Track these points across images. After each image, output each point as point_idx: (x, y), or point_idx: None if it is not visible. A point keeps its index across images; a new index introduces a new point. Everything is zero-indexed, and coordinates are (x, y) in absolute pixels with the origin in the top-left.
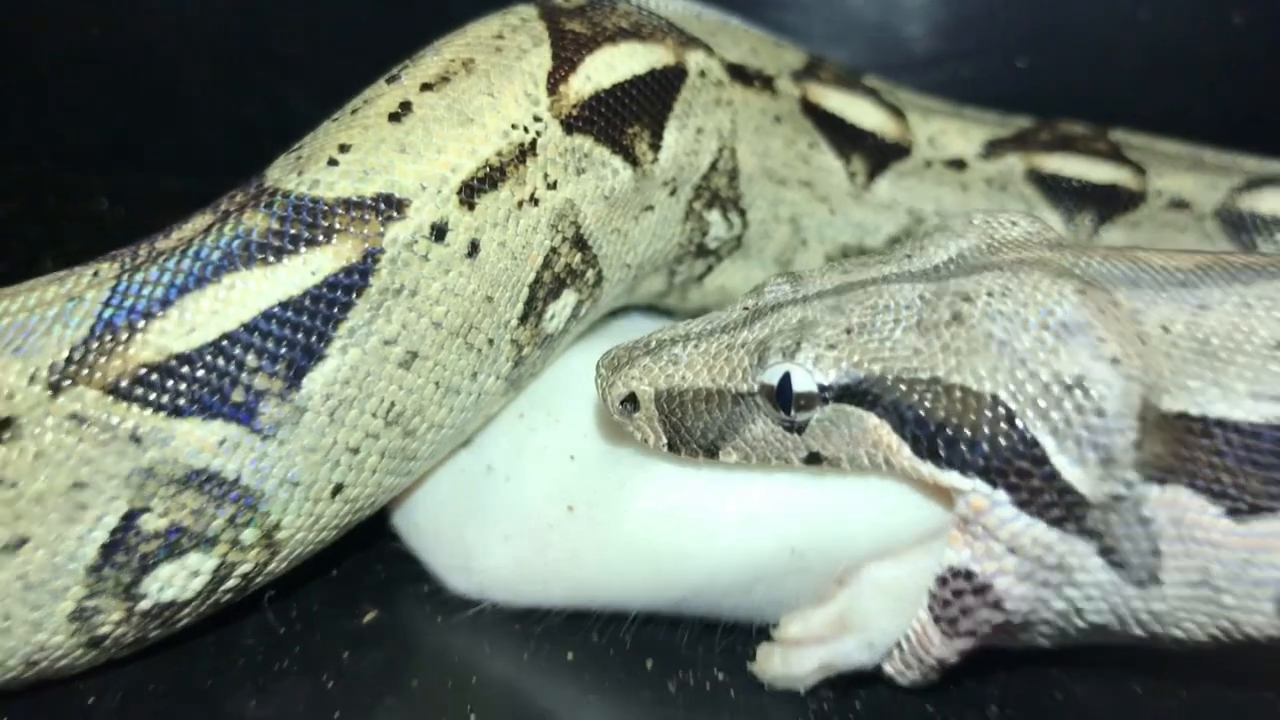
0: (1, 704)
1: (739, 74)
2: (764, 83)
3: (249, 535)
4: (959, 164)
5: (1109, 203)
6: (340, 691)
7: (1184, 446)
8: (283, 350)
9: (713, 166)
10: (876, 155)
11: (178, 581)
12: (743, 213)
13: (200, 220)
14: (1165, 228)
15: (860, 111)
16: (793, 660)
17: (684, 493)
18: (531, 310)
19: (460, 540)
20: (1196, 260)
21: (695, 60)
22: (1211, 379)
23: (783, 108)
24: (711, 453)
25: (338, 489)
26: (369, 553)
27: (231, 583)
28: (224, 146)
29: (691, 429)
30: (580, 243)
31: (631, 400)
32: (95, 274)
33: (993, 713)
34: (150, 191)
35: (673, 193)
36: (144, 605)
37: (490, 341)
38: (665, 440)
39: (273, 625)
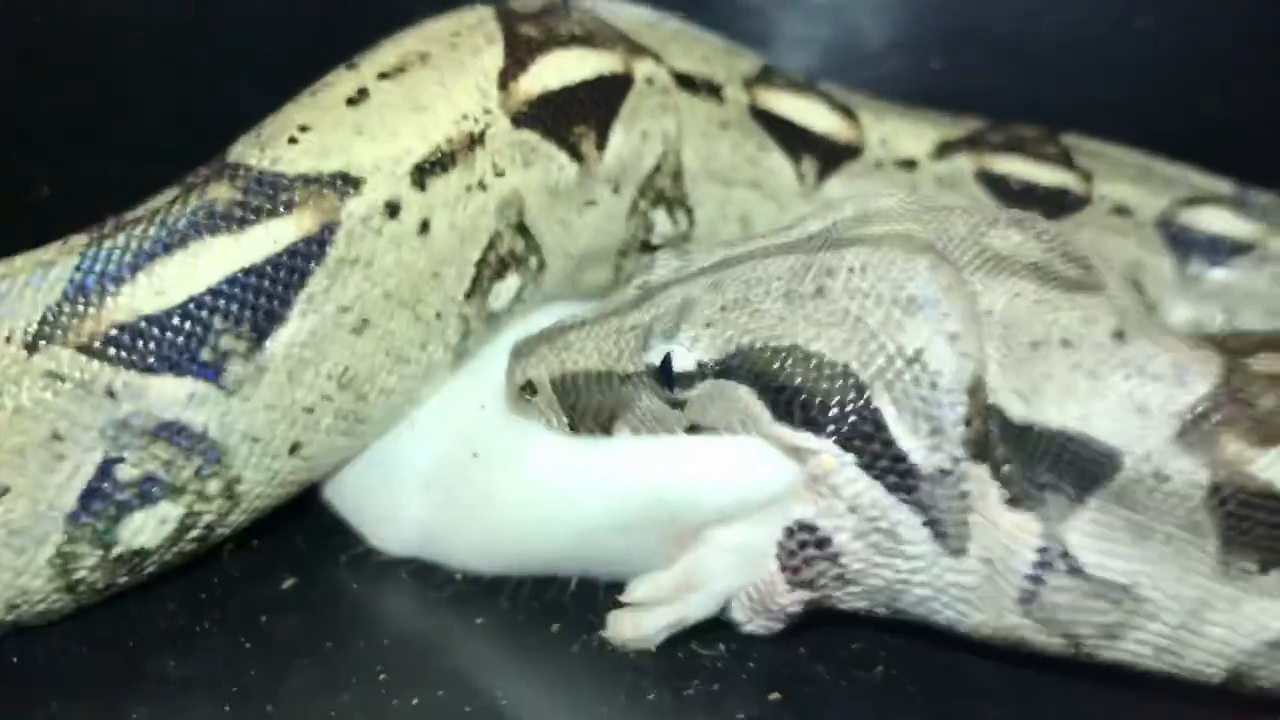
0: None
1: (686, 82)
2: (711, 90)
3: (213, 486)
4: (910, 164)
5: (1055, 204)
6: (257, 652)
7: (986, 428)
8: (247, 313)
9: (657, 168)
10: (828, 156)
11: (148, 528)
12: (689, 211)
13: (167, 193)
14: (1107, 230)
15: (812, 114)
16: (642, 622)
17: (573, 443)
18: (477, 288)
19: (386, 492)
20: (1032, 258)
21: (643, 69)
22: (999, 366)
23: (730, 114)
24: (606, 429)
25: (295, 447)
26: (289, 524)
27: (195, 532)
28: (168, 135)
29: (586, 409)
30: (523, 230)
31: (530, 387)
32: (65, 242)
33: (879, 673)
34: (93, 179)
35: (616, 190)
36: (117, 551)
37: (438, 315)
38: (566, 420)
39: (194, 590)
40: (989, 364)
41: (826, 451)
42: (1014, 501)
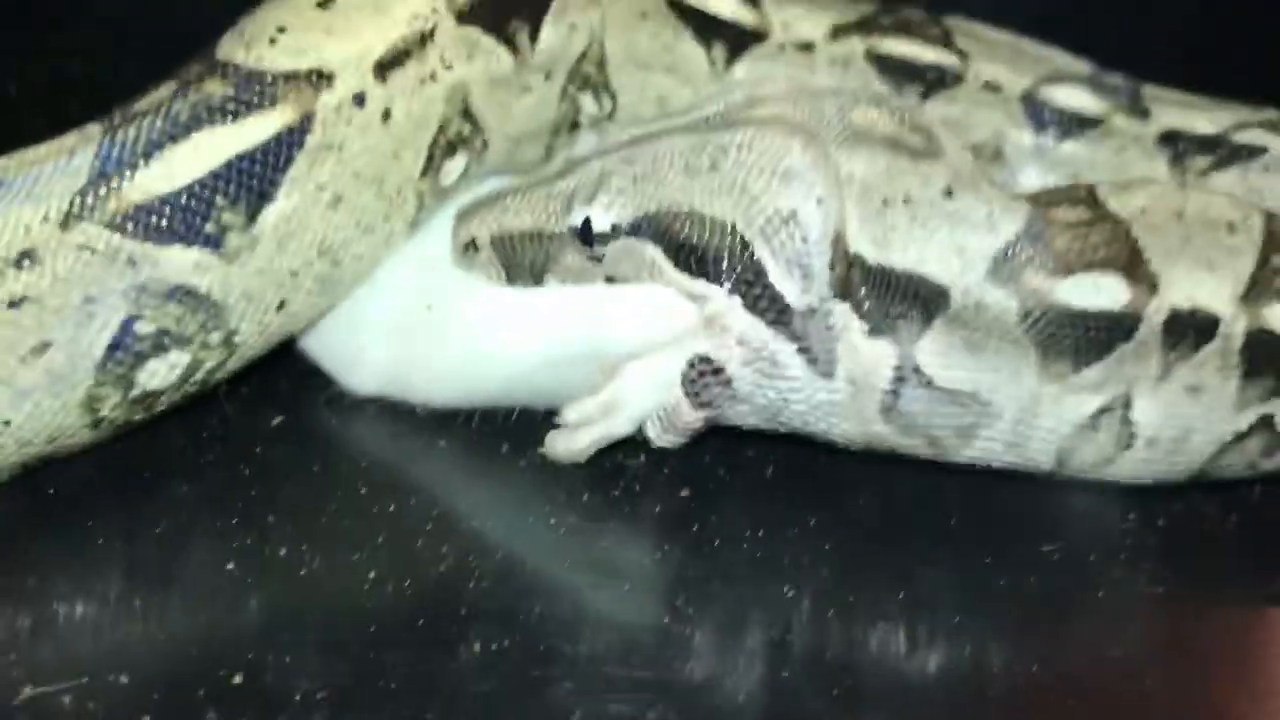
0: None
1: None
2: None
3: (215, 338)
4: (808, 46)
5: (934, 81)
6: (255, 476)
7: (848, 272)
8: (243, 193)
9: (583, 57)
10: (735, 41)
11: (160, 373)
12: (613, 94)
13: (165, 89)
14: (978, 104)
15: (720, 3)
16: (573, 439)
17: (510, 293)
18: (430, 167)
19: (353, 341)
20: (887, 131)
21: None
22: (857, 221)
23: (648, 5)
24: (538, 281)
25: (281, 304)
26: (274, 371)
27: (199, 376)
28: (122, 40)
29: (520, 263)
30: (469, 114)
31: (473, 245)
32: (81, 131)
33: (769, 473)
34: (57, 77)
35: (548, 77)
36: (135, 392)
37: (398, 191)
38: (503, 273)
39: (197, 427)
40: (849, 220)
41: (718, 295)
42: (873, 331)
